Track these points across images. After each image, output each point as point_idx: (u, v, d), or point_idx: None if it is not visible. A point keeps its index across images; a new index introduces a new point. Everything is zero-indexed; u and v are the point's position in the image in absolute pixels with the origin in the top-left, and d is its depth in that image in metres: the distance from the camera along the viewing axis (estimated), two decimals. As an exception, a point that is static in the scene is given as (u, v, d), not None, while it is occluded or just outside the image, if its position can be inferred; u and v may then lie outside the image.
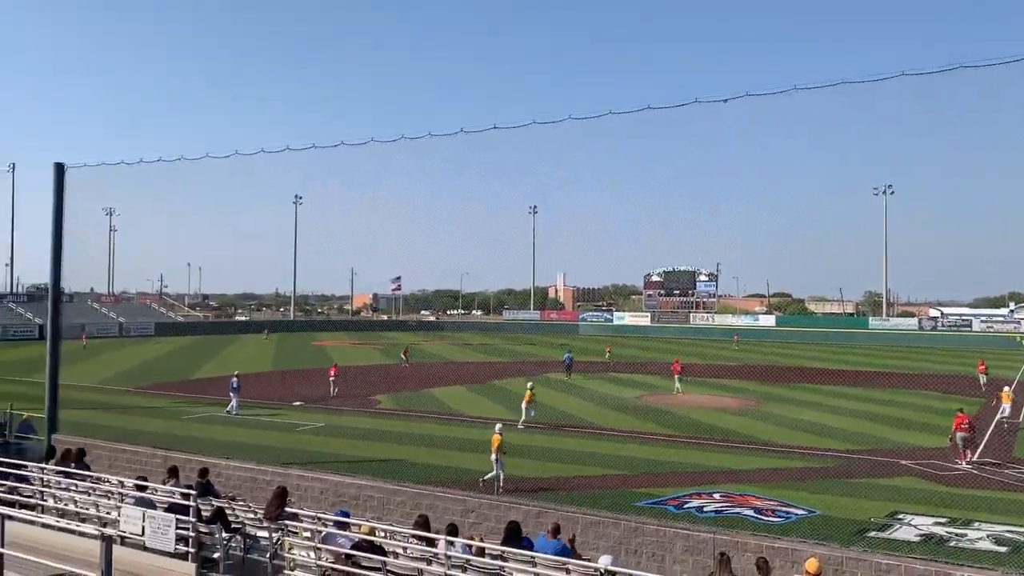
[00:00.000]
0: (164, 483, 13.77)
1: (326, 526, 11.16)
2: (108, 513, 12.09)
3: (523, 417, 26.59)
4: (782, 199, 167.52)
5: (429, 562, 9.83)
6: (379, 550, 10.11)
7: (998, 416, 27.67)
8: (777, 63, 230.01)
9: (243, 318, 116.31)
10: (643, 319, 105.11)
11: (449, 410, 30.79)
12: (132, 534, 10.59)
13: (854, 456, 22.10)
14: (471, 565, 9.65)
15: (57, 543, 7.81)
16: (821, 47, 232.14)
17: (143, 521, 10.58)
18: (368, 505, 16.80)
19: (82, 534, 8.36)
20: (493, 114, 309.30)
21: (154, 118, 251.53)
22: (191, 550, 10.77)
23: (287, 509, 12.03)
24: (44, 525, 9.13)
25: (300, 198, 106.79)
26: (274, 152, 20.85)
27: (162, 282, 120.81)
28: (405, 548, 10.30)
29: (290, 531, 11.39)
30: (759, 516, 15.65)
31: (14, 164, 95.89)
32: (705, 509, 16.18)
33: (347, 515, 12.01)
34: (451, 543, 10.26)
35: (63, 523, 10.24)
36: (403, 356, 51.00)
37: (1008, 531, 14.56)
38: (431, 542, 10.46)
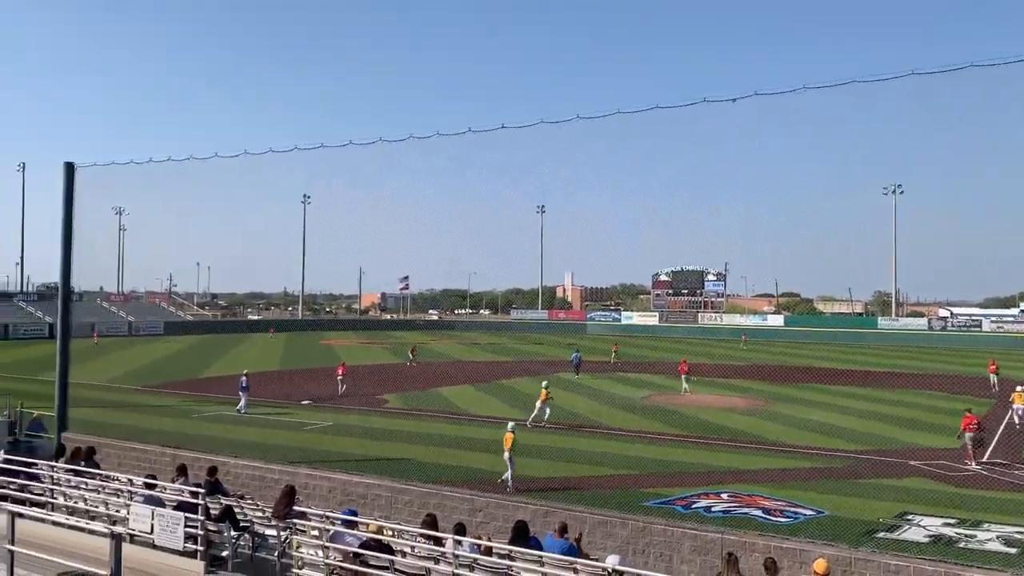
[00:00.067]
0: (173, 481, 13.86)
1: (334, 525, 11.19)
2: (117, 511, 12.19)
3: (535, 415, 26.51)
4: (783, 199, 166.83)
5: (437, 561, 9.86)
6: (387, 549, 10.15)
7: (1009, 416, 27.48)
8: (777, 63, 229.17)
9: (255, 317, 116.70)
10: (651, 319, 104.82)
11: (457, 409, 30.81)
12: (141, 532, 10.67)
13: (863, 456, 22.02)
14: (479, 564, 9.66)
15: (67, 541, 7.84)
16: (821, 47, 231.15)
17: (152, 519, 10.66)
18: (376, 504, 16.84)
19: (92, 532, 8.40)
20: (494, 114, 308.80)
21: (155, 118, 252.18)
22: (200, 548, 10.85)
23: (295, 508, 12.08)
24: (54, 523, 9.18)
25: (308, 197, 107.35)
26: (283, 152, 20.85)
27: (171, 281, 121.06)
28: (413, 547, 10.32)
29: (298, 529, 11.44)
30: (767, 516, 15.61)
31: (24, 164, 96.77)
32: (713, 509, 16.15)
33: (355, 514, 12.02)
34: (459, 542, 10.27)
35: (73, 521, 10.29)
36: (411, 355, 51.11)
37: (1018, 532, 14.48)
38: (439, 541, 10.47)
